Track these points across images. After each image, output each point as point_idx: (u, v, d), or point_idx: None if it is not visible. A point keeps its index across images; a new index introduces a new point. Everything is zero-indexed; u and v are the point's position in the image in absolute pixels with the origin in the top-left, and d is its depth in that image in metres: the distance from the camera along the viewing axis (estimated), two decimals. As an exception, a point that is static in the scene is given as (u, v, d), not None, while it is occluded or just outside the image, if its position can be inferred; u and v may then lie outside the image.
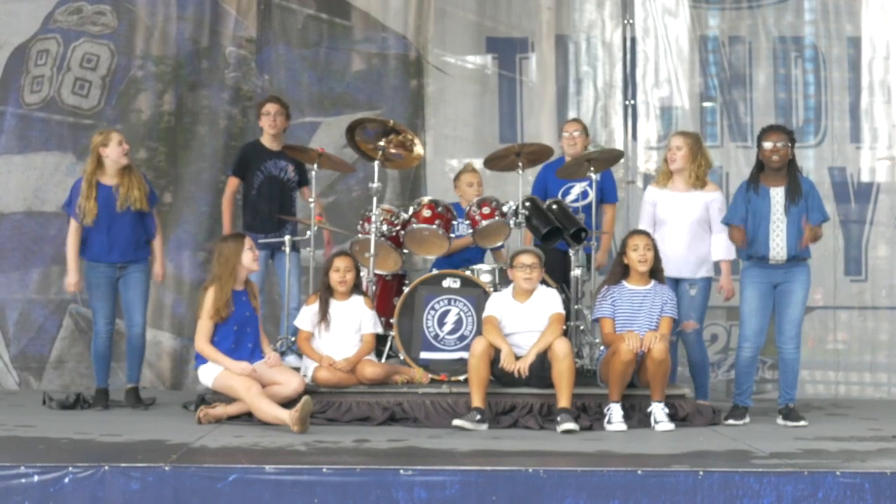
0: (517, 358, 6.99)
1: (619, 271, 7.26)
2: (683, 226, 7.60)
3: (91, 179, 7.69)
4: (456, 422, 6.82)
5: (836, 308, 9.20)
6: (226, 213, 8.40)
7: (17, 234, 9.07)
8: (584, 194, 8.05)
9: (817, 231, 7.26)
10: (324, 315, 7.34)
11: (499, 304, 7.20)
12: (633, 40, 9.49)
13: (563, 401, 6.87)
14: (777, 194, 7.26)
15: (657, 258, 7.24)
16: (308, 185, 8.11)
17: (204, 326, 7.03)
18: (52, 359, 9.05)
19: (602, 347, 7.34)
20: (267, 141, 8.35)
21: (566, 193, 8.25)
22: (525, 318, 7.13)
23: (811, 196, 7.28)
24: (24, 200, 9.12)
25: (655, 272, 7.24)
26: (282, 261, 8.06)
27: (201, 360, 7.09)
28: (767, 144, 7.26)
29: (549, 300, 7.19)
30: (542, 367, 7.00)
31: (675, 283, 7.54)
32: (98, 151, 7.72)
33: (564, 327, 7.22)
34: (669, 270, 7.47)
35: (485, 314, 7.19)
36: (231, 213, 8.39)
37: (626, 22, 9.48)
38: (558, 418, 6.82)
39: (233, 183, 8.39)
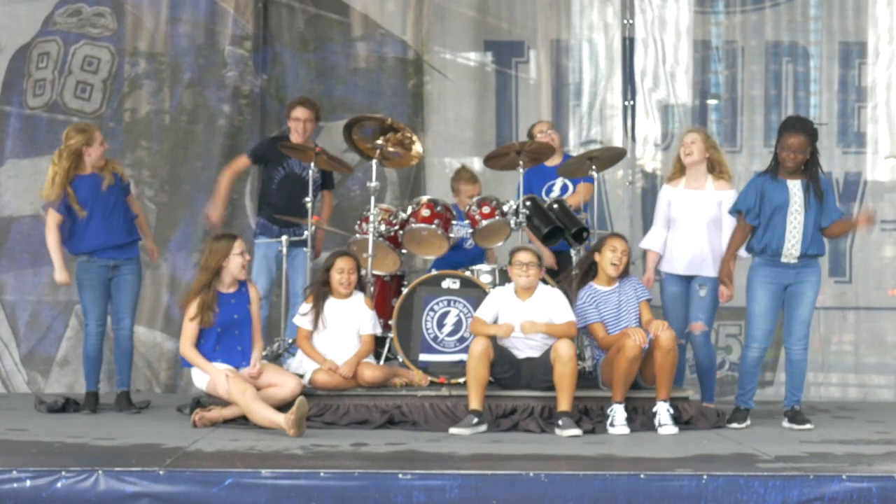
0: (517, 356, 6.98)
1: (589, 269, 7.23)
2: (698, 225, 7.49)
3: (66, 176, 7.46)
4: (453, 430, 6.75)
5: (832, 308, 9.15)
6: (222, 183, 8.25)
7: (27, 238, 9.06)
8: (564, 188, 8.05)
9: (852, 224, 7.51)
10: (318, 314, 7.23)
11: (499, 300, 7.10)
12: (633, 41, 9.45)
13: (564, 404, 6.81)
14: (795, 186, 7.14)
15: (627, 264, 7.22)
16: (331, 189, 7.99)
17: (187, 329, 6.94)
18: (59, 358, 9.04)
19: (599, 351, 7.26)
20: (296, 139, 8.21)
21: (549, 191, 8.17)
22: (526, 316, 7.02)
23: (826, 196, 7.17)
24: (32, 204, 9.09)
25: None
26: (291, 261, 7.96)
27: (191, 361, 7.02)
28: (785, 146, 7.11)
29: (553, 301, 7.09)
30: (544, 370, 6.92)
31: (688, 281, 7.50)
32: (81, 150, 7.53)
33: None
34: (684, 269, 7.45)
35: (476, 313, 7.11)
36: (229, 186, 8.27)
37: (625, 22, 9.43)
38: (559, 422, 6.75)
39: (242, 161, 8.28)
